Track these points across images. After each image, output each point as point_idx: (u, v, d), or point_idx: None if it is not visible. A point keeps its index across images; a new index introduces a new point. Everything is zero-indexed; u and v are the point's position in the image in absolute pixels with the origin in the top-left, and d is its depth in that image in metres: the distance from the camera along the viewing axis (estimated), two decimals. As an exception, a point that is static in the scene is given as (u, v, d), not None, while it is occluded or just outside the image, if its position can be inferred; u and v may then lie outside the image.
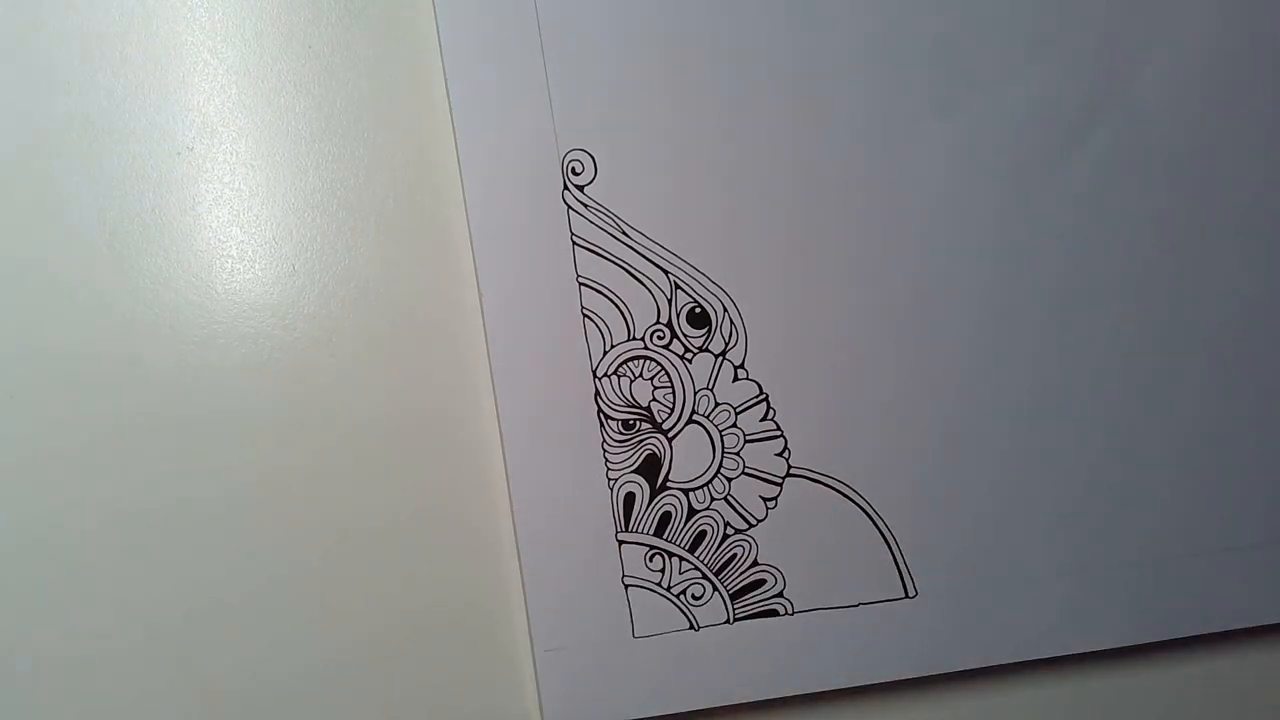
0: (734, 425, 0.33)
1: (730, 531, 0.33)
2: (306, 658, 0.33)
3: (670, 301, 0.33)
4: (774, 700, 0.33)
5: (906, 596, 0.33)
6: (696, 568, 0.33)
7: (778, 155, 0.33)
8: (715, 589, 0.33)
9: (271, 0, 0.34)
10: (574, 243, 0.33)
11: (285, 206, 0.34)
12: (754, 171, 0.33)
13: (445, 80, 0.33)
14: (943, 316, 0.34)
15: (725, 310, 0.33)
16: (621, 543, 0.33)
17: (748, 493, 0.33)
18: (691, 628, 0.33)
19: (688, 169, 0.33)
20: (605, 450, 0.33)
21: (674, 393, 0.33)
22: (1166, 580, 0.34)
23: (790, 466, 0.33)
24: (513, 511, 0.32)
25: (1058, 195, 0.34)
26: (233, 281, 0.33)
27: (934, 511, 0.33)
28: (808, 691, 0.33)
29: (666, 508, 0.33)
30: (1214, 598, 0.34)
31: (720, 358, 0.33)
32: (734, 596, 0.33)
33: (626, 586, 0.33)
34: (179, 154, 0.33)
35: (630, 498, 0.33)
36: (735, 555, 0.33)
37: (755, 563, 0.33)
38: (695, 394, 0.33)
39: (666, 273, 0.33)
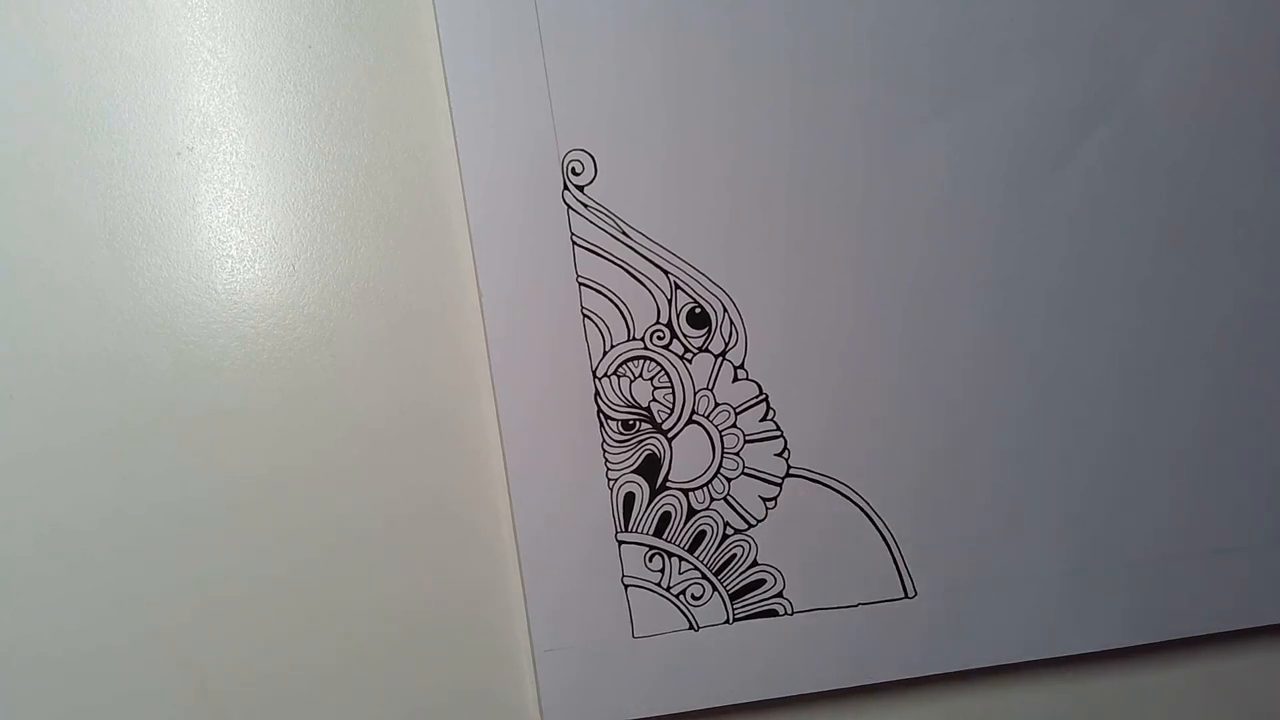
0: (734, 425, 0.33)
1: (730, 531, 0.33)
2: (306, 658, 0.33)
3: (670, 302, 0.33)
4: (774, 700, 0.33)
5: (906, 596, 0.33)
6: (696, 568, 0.33)
7: (778, 155, 0.33)
8: (715, 589, 0.33)
9: (271, 0, 0.34)
10: (574, 243, 0.33)
11: (285, 206, 0.34)
12: (754, 171, 0.33)
13: (445, 80, 0.33)
14: (943, 316, 0.34)
15: (725, 310, 0.33)
16: (621, 543, 0.33)
17: (747, 493, 0.33)
18: (691, 628, 0.33)
19: (688, 169, 0.33)
20: (605, 450, 0.33)
21: (674, 393, 0.33)
22: (1166, 580, 0.34)
23: (790, 466, 0.33)
24: (513, 511, 0.32)
25: (1058, 195, 0.34)
26: (233, 281, 0.33)
27: (934, 511, 0.33)
28: (807, 691, 0.33)
29: (666, 508, 0.33)
30: (1214, 598, 0.34)
31: (720, 358, 0.33)
32: (734, 597, 0.33)
33: (626, 586, 0.33)
34: (179, 154, 0.33)
35: (630, 498, 0.33)
36: (735, 555, 0.33)
37: (755, 563, 0.33)
38: (695, 394, 0.33)
39: (666, 273, 0.33)
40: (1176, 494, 0.34)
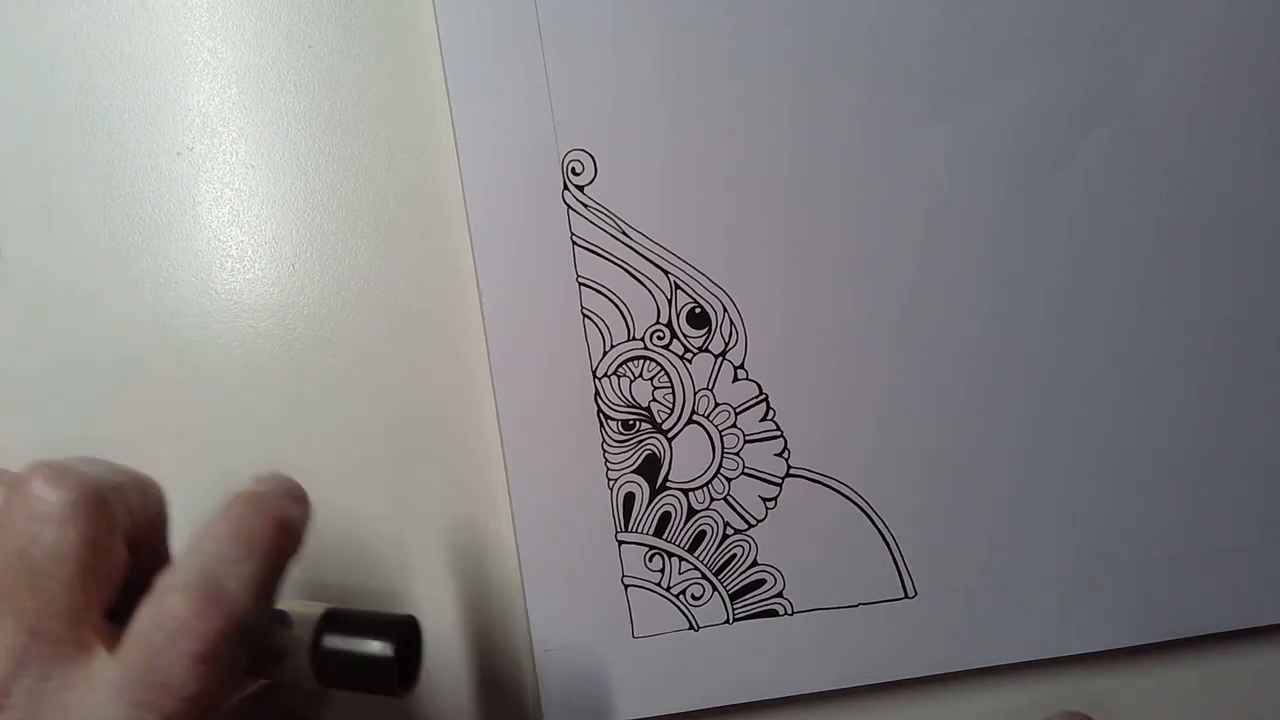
0: (734, 425, 0.33)
1: (730, 531, 0.33)
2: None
3: (670, 302, 0.33)
4: (774, 700, 0.33)
5: (906, 596, 0.33)
6: (696, 568, 0.33)
7: (778, 155, 0.33)
8: (715, 589, 0.33)
9: (271, 0, 0.34)
10: (574, 243, 0.33)
11: (285, 206, 0.34)
12: (754, 171, 0.33)
13: (445, 80, 0.33)
14: (943, 316, 0.34)
15: (725, 310, 0.33)
16: (621, 543, 0.33)
17: (747, 493, 0.33)
18: (691, 628, 0.33)
19: (688, 169, 0.33)
20: (605, 450, 0.33)
21: (674, 393, 0.33)
22: (1166, 580, 0.34)
23: (790, 466, 0.33)
24: (513, 512, 0.32)
25: (1058, 195, 0.34)
26: (233, 281, 0.33)
27: (934, 511, 0.33)
28: (807, 691, 0.33)
29: (666, 508, 0.33)
30: (1214, 598, 0.34)
31: (720, 358, 0.33)
32: (733, 597, 0.33)
33: (626, 586, 0.33)
34: (179, 154, 0.33)
35: (630, 498, 0.33)
36: (735, 555, 0.33)
37: (755, 563, 0.33)
38: (695, 394, 0.33)
39: (666, 273, 0.33)
40: (1176, 494, 0.34)
